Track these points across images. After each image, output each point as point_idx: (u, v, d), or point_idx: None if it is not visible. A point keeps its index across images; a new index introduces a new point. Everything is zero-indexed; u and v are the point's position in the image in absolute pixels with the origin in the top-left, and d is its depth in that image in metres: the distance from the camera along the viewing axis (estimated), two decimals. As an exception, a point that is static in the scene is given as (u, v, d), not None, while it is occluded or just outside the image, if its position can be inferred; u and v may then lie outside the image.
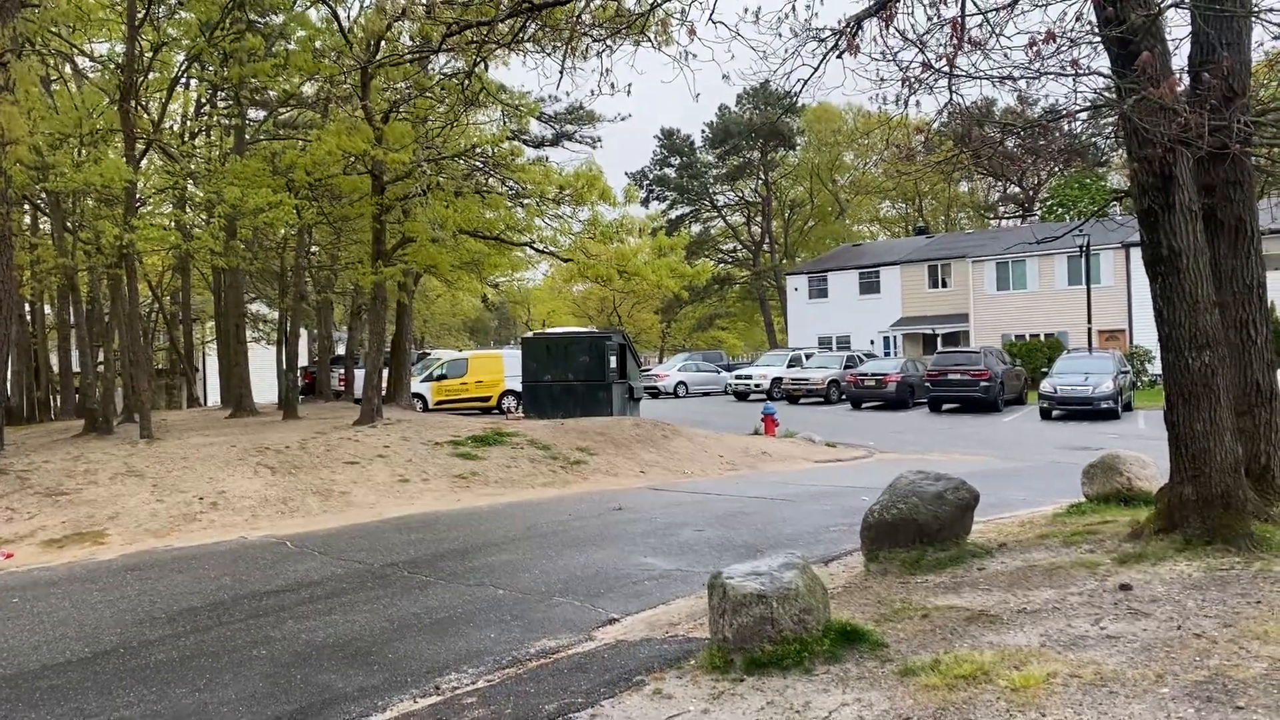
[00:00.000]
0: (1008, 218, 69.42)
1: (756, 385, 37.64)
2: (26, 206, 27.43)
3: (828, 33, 7.40)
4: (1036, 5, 7.29)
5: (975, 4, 6.78)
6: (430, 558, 9.60)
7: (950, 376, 31.04)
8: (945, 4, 6.80)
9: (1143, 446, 12.04)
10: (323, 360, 32.42)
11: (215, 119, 27.08)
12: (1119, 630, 5.29)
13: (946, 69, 6.74)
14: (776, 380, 37.33)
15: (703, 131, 68.95)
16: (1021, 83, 7.19)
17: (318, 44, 21.40)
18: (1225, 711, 4.09)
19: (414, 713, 5.31)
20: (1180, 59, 7.50)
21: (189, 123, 27.29)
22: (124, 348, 21.82)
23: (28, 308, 30.34)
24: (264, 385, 31.76)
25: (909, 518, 7.53)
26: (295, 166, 19.65)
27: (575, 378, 22.64)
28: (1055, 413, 27.86)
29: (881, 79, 7.24)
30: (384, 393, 22.77)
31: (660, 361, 60.33)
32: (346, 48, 20.21)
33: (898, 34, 7.00)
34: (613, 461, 17.01)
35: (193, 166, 22.79)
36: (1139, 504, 8.88)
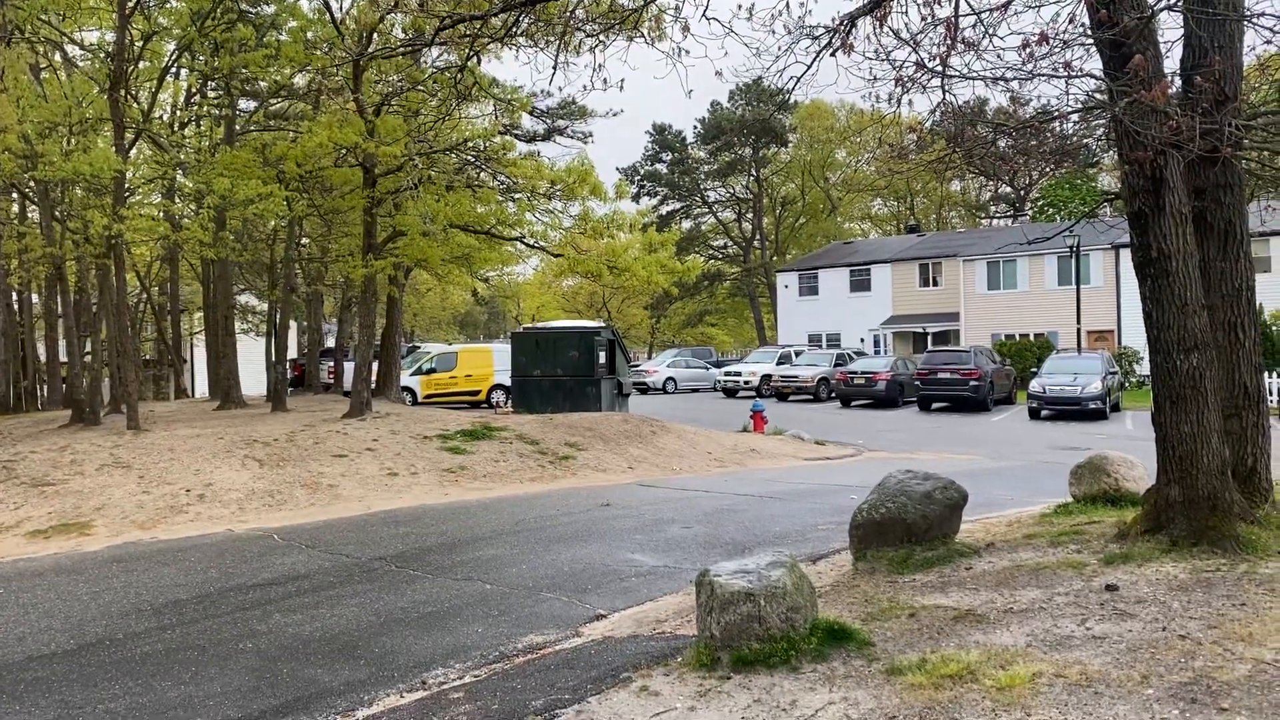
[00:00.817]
0: (999, 217, 69.64)
1: (746, 382, 37.66)
2: (15, 195, 27.32)
3: (821, 30, 7.39)
4: (1030, 6, 7.30)
5: (969, 4, 6.78)
6: (418, 552, 9.58)
7: (940, 375, 31.14)
8: (939, 4, 6.80)
9: (1130, 447, 12.10)
10: (312, 353, 32.31)
11: (205, 109, 26.95)
12: (1105, 631, 5.31)
13: (940, 68, 6.75)
14: (766, 377, 37.35)
15: (695, 127, 68.95)
16: (1014, 83, 7.20)
17: (309, 35, 21.33)
18: (1209, 713, 4.11)
19: (400, 708, 5.30)
20: (1172, 62, 7.53)
21: (179, 113, 27.17)
22: (112, 338, 21.73)
23: (15, 297, 30.18)
24: (252, 377, 31.67)
25: (897, 517, 7.54)
26: (286, 158, 19.58)
27: (564, 373, 22.61)
28: (1044, 413, 27.96)
29: (875, 77, 7.24)
30: (373, 386, 22.72)
31: (649, 357, 60.30)
32: (338, 39, 20.15)
33: (891, 33, 7.01)
34: (601, 457, 17.00)
35: (182, 157, 22.69)
36: (1126, 505, 8.90)
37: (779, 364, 38.91)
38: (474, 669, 5.93)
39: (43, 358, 32.72)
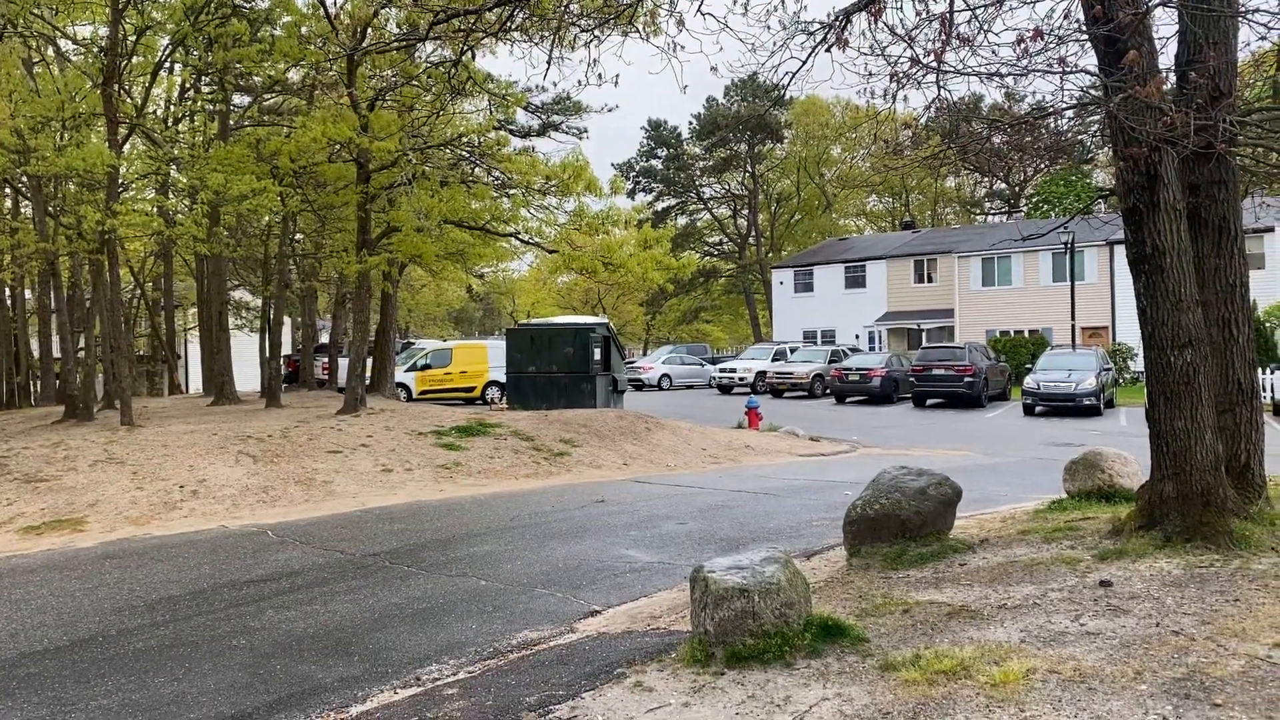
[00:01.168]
0: (994, 214, 69.67)
1: (740, 379, 37.67)
2: (7, 190, 27.23)
3: (816, 26, 7.38)
4: (1025, 2, 7.31)
5: (964, 0, 6.78)
6: (412, 548, 9.57)
7: (935, 372, 31.17)
8: (934, -1, 6.79)
9: (1124, 443, 12.12)
10: (306, 349, 32.23)
11: (199, 104, 26.87)
12: (1098, 627, 5.32)
13: (934, 64, 6.73)
14: (760, 374, 37.38)
15: (690, 123, 68.88)
16: (1009, 79, 7.20)
17: (304, 30, 21.25)
18: (1203, 709, 4.12)
19: (394, 704, 5.29)
20: (1167, 58, 7.53)
21: (173, 108, 27.06)
22: (105, 334, 21.65)
23: (8, 292, 30.08)
24: (247, 373, 31.56)
25: (891, 513, 7.55)
26: (280, 153, 19.51)
27: (559, 369, 22.59)
28: (1038, 409, 28.00)
29: (870, 73, 7.23)
30: (368, 382, 22.68)
31: (644, 354, 60.34)
32: (333, 34, 20.06)
33: (886, 29, 6.99)
34: (596, 453, 17.00)
35: (176, 152, 22.60)
36: (1120, 501, 8.92)
37: (774, 360, 38.93)
38: (468, 665, 5.92)
39: (36, 353, 32.63)
